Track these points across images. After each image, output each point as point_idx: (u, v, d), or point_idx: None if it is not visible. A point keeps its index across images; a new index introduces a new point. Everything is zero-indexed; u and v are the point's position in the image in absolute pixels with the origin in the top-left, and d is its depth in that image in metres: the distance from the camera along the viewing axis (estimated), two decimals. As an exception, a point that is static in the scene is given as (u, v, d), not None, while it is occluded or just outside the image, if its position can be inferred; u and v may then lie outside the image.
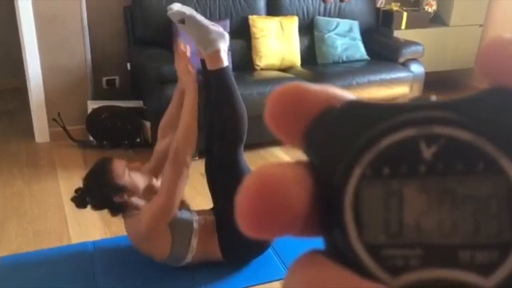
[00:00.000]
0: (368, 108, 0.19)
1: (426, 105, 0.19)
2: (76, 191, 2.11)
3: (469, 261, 0.17)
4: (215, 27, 2.12)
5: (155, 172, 2.20)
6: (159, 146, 2.24)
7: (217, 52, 2.09)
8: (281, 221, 0.18)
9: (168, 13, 2.15)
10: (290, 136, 0.20)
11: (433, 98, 0.19)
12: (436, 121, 0.18)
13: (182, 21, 2.12)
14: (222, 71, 2.11)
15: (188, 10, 2.12)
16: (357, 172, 0.18)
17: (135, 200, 2.06)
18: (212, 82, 2.14)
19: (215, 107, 2.15)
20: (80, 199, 2.08)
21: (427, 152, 0.18)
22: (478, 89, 0.19)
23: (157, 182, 2.16)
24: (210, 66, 2.12)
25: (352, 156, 0.18)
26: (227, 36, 2.15)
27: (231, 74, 2.17)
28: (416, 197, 0.18)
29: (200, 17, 2.13)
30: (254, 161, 2.86)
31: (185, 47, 2.14)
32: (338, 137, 0.19)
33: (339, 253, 0.18)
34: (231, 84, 2.13)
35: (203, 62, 2.17)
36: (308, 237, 0.19)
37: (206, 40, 2.09)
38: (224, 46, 2.12)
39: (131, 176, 2.05)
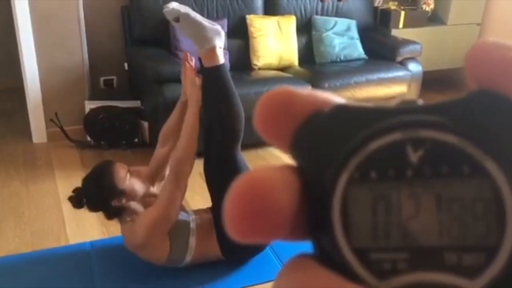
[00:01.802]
0: (355, 112, 0.19)
1: (413, 109, 0.19)
2: (74, 190, 2.10)
3: (455, 264, 0.18)
4: (211, 25, 2.12)
5: (153, 178, 2.20)
6: (158, 153, 2.24)
7: (212, 49, 2.09)
8: (268, 226, 0.18)
9: (164, 11, 2.15)
10: (279, 140, 0.20)
11: (420, 101, 0.19)
12: (422, 125, 0.18)
13: (177, 20, 2.12)
14: (217, 68, 2.11)
15: (183, 9, 2.12)
16: (344, 176, 0.18)
17: (133, 205, 2.06)
18: (208, 80, 2.13)
19: (212, 105, 2.14)
20: (78, 199, 2.07)
21: (414, 156, 0.18)
22: (466, 91, 0.19)
23: (154, 189, 2.16)
24: (205, 64, 2.12)
25: (339, 160, 0.18)
26: (222, 33, 2.15)
27: (227, 72, 2.16)
28: (403, 201, 0.18)
29: (195, 15, 2.13)
30: (252, 160, 2.86)
31: (192, 59, 2.14)
32: (326, 141, 0.19)
33: (327, 257, 0.18)
34: (227, 81, 2.12)
35: (200, 60, 2.17)
36: (296, 241, 0.19)
37: (201, 37, 2.09)
38: (219, 43, 2.11)
39: (132, 181, 2.04)
